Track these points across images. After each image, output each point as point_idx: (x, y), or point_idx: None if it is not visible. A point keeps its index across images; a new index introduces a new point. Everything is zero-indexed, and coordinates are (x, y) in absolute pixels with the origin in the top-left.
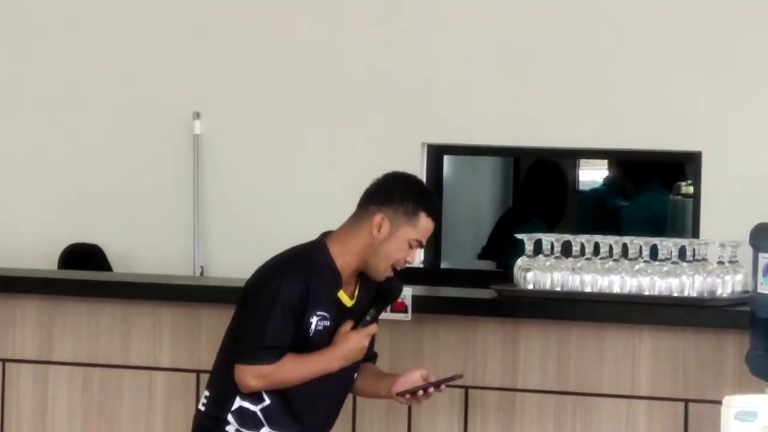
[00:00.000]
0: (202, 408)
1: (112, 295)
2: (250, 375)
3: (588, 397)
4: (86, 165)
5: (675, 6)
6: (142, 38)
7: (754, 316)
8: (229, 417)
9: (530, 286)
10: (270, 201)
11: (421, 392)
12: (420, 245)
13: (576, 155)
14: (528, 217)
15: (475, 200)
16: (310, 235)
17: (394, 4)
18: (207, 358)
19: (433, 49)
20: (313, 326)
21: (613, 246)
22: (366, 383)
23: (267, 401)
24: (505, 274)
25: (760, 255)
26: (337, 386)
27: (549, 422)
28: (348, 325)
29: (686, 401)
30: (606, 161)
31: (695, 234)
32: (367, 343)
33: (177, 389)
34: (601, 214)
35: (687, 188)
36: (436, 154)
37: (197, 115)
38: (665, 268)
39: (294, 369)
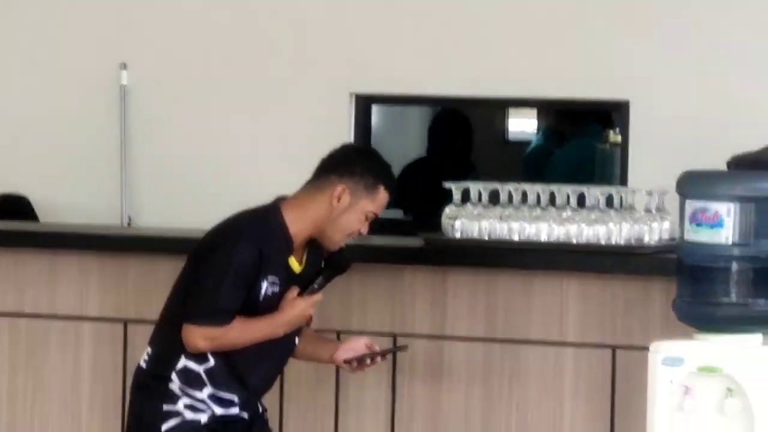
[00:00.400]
0: (144, 365)
1: (39, 245)
2: (198, 336)
3: (516, 344)
4: (12, 115)
5: None
6: None
7: (681, 263)
8: (173, 375)
9: (458, 235)
10: (198, 152)
11: (368, 360)
12: (375, 217)
13: (505, 104)
14: (438, 167)
15: (403, 150)
16: (238, 185)
17: None
18: (134, 308)
19: None
20: (263, 291)
21: (541, 194)
22: (305, 347)
23: (211, 362)
24: (421, 224)
25: (687, 202)
26: (281, 350)
27: (477, 369)
28: (294, 291)
29: (614, 348)
30: (535, 110)
31: (623, 183)
32: (312, 311)
33: (104, 339)
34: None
35: (615, 137)
36: (364, 104)
37: (124, 66)
38: (593, 216)
39: (242, 333)
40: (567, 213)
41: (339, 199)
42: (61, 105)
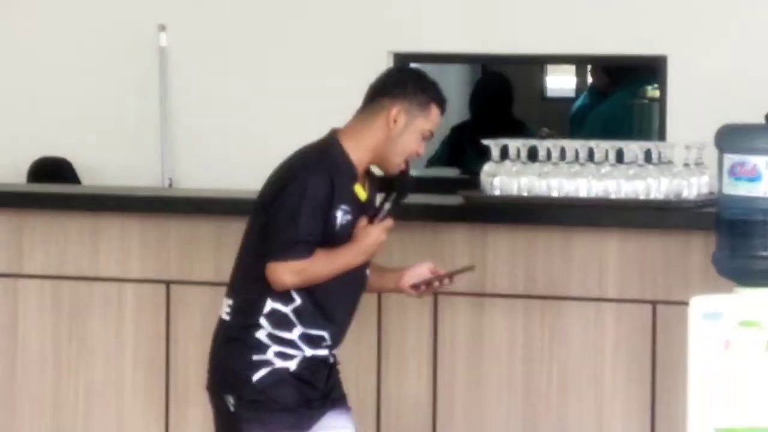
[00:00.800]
0: (228, 317)
1: (80, 208)
2: (285, 271)
3: (556, 300)
4: (52, 79)
5: None
6: None
7: (720, 217)
8: (262, 320)
9: (497, 192)
10: (236, 113)
11: (437, 283)
12: (431, 136)
13: (543, 61)
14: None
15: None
16: (277, 145)
17: None
18: (176, 269)
19: None
20: (338, 220)
21: (579, 150)
22: (372, 278)
23: (298, 301)
24: (465, 180)
25: (725, 156)
26: (357, 282)
27: (518, 326)
28: (364, 220)
29: (654, 303)
30: (573, 67)
31: (662, 137)
32: (385, 237)
33: (146, 300)
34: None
35: (653, 92)
36: (402, 62)
37: (162, 27)
38: (631, 171)
39: (325, 263)
40: (605, 169)
41: (395, 120)
42: (100, 68)
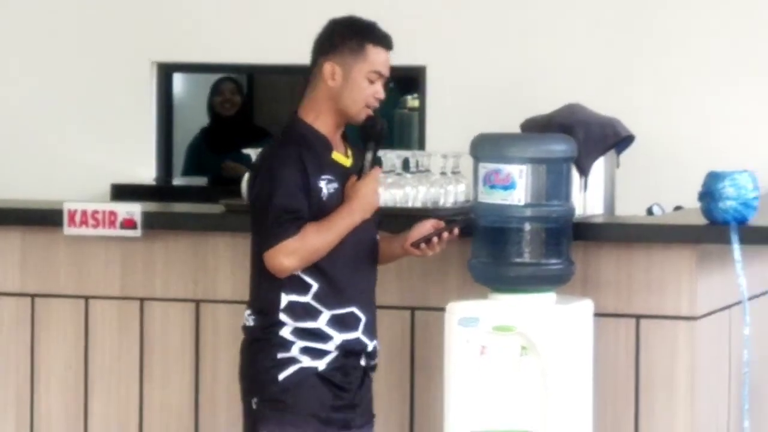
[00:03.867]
0: (250, 322)
1: None
2: (279, 255)
3: None
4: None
5: None
6: None
7: (476, 225)
8: (282, 316)
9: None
10: (2, 121)
11: (435, 239)
12: (381, 76)
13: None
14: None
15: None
16: (40, 155)
17: None
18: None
19: None
20: (324, 191)
21: None
22: (382, 248)
23: (314, 287)
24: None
25: (480, 165)
26: (368, 250)
27: None
28: (353, 179)
29: (412, 309)
30: None
31: (421, 146)
32: (376, 186)
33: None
34: None
35: (413, 102)
36: (165, 72)
37: None
38: (390, 180)
39: (319, 233)
40: None
41: (333, 76)
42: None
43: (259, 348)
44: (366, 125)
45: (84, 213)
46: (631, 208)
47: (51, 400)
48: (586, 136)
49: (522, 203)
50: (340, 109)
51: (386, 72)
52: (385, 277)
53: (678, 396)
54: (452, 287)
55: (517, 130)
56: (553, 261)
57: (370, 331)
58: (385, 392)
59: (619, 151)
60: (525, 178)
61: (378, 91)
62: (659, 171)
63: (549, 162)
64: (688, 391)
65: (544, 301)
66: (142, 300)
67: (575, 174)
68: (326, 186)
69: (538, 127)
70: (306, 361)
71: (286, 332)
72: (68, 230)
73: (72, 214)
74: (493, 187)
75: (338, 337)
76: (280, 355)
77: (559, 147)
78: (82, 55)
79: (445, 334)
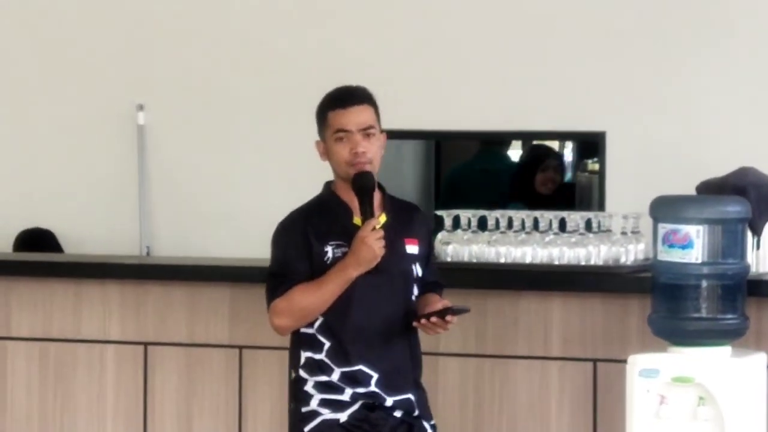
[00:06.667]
0: (291, 378)
1: (64, 275)
2: (272, 315)
3: (505, 359)
4: (37, 154)
5: None
6: (89, 31)
7: (655, 282)
8: (302, 372)
9: (449, 259)
10: (209, 184)
11: (424, 320)
12: (347, 131)
13: (486, 138)
14: None
15: (401, 183)
16: (246, 215)
17: None
18: (153, 331)
19: (355, 32)
20: (329, 255)
21: (525, 219)
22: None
23: (327, 344)
24: None
25: (659, 225)
26: (373, 312)
27: (469, 384)
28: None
29: (595, 361)
30: (519, 142)
31: (601, 208)
32: (369, 239)
33: (126, 360)
34: None
35: (593, 165)
36: None
37: (141, 107)
38: (573, 239)
39: (306, 291)
40: (550, 237)
41: (322, 151)
42: (82, 144)
43: (291, 403)
44: (353, 181)
45: None
46: None
47: None
48: (758, 198)
49: (699, 261)
50: (339, 175)
51: (349, 126)
52: (570, 332)
53: None
54: (632, 340)
55: (692, 192)
56: (729, 316)
57: (388, 386)
58: None
59: None
60: (702, 237)
61: (354, 145)
62: None
63: (724, 222)
64: None
65: (720, 353)
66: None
67: (749, 233)
68: (333, 250)
69: (713, 189)
70: (327, 413)
71: (308, 387)
72: None
73: None
74: (671, 246)
75: (351, 390)
76: (303, 410)
77: (734, 208)
78: (287, 123)
79: (626, 384)
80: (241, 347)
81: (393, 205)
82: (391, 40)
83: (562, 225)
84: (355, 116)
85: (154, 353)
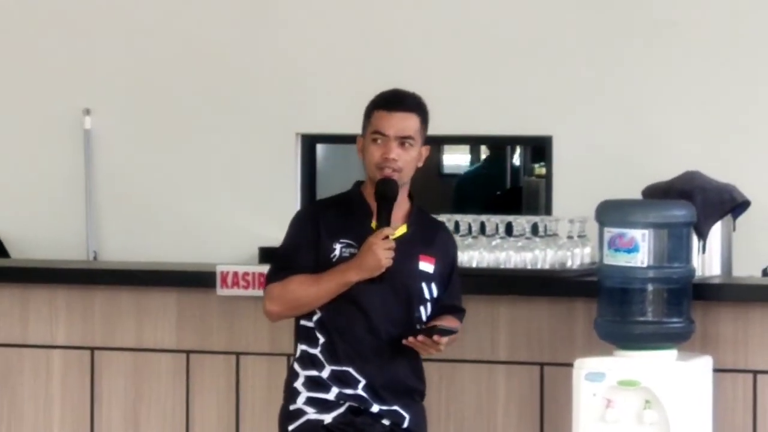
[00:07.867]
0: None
1: (10, 279)
2: (266, 298)
3: (452, 363)
4: None
5: (522, 5)
6: (35, 36)
7: (601, 286)
8: (296, 366)
9: None
10: (156, 188)
11: (412, 338)
12: (383, 135)
13: (440, 141)
14: None
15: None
16: (193, 220)
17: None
18: (100, 336)
19: (302, 40)
20: (336, 252)
21: (472, 224)
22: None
23: (321, 340)
24: None
25: (605, 229)
26: (376, 317)
27: None
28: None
29: (541, 365)
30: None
31: (548, 212)
32: (376, 247)
33: (73, 365)
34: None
35: (540, 170)
36: (309, 143)
37: (87, 111)
38: (520, 244)
39: (304, 283)
40: (496, 241)
41: (360, 148)
42: (29, 149)
43: (282, 400)
44: (376, 185)
45: (235, 275)
46: (746, 269)
47: None
48: (704, 202)
49: (645, 265)
50: (368, 176)
51: (388, 131)
52: (517, 336)
53: None
54: (579, 344)
55: (638, 196)
56: (675, 319)
57: (377, 394)
58: None
59: (735, 216)
60: (647, 241)
61: (387, 151)
62: None
63: (670, 226)
64: None
65: (666, 357)
66: (288, 356)
67: (694, 237)
68: (342, 249)
69: (659, 193)
70: (312, 413)
71: (299, 383)
72: (221, 291)
73: (224, 276)
74: (617, 250)
75: (337, 389)
76: (291, 407)
77: (680, 212)
78: (233, 129)
79: (573, 388)
80: (188, 352)
81: (419, 219)
82: (333, 45)
83: (509, 229)
84: (397, 122)
85: (101, 358)
